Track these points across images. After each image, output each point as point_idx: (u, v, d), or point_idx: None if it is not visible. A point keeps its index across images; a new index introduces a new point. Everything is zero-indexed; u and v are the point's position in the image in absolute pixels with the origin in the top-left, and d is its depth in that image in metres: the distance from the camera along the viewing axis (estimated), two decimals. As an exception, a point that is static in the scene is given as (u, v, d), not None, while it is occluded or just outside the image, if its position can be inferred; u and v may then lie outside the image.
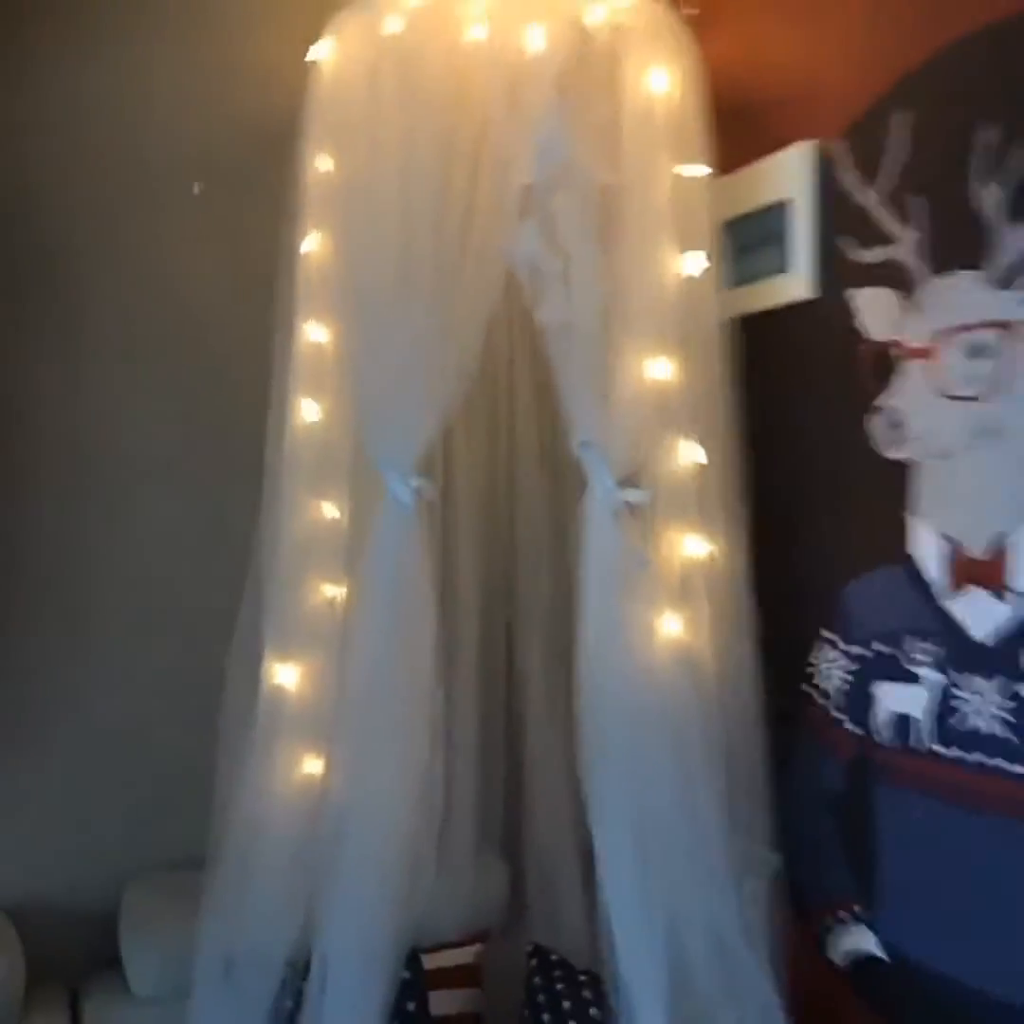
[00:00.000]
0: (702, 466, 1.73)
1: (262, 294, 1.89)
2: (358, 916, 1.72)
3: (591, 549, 1.67)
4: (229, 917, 1.78)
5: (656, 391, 1.71)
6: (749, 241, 1.95)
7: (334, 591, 1.85)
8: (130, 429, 2.14)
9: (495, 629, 2.15)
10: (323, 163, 1.88)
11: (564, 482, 2.06)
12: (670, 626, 1.71)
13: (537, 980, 1.89)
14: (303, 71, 1.91)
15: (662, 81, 1.77)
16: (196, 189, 2.07)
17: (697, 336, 1.77)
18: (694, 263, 1.76)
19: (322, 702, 1.81)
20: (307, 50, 1.91)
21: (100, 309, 2.11)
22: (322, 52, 1.87)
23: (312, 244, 1.88)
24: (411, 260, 1.70)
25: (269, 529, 1.87)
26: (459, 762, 2.04)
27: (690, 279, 1.75)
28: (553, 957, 1.94)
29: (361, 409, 1.75)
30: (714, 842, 1.63)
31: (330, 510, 1.86)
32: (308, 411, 1.87)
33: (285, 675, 1.82)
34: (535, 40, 1.71)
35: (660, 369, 1.73)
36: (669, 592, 1.71)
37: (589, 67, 1.74)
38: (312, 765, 1.84)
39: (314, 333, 1.88)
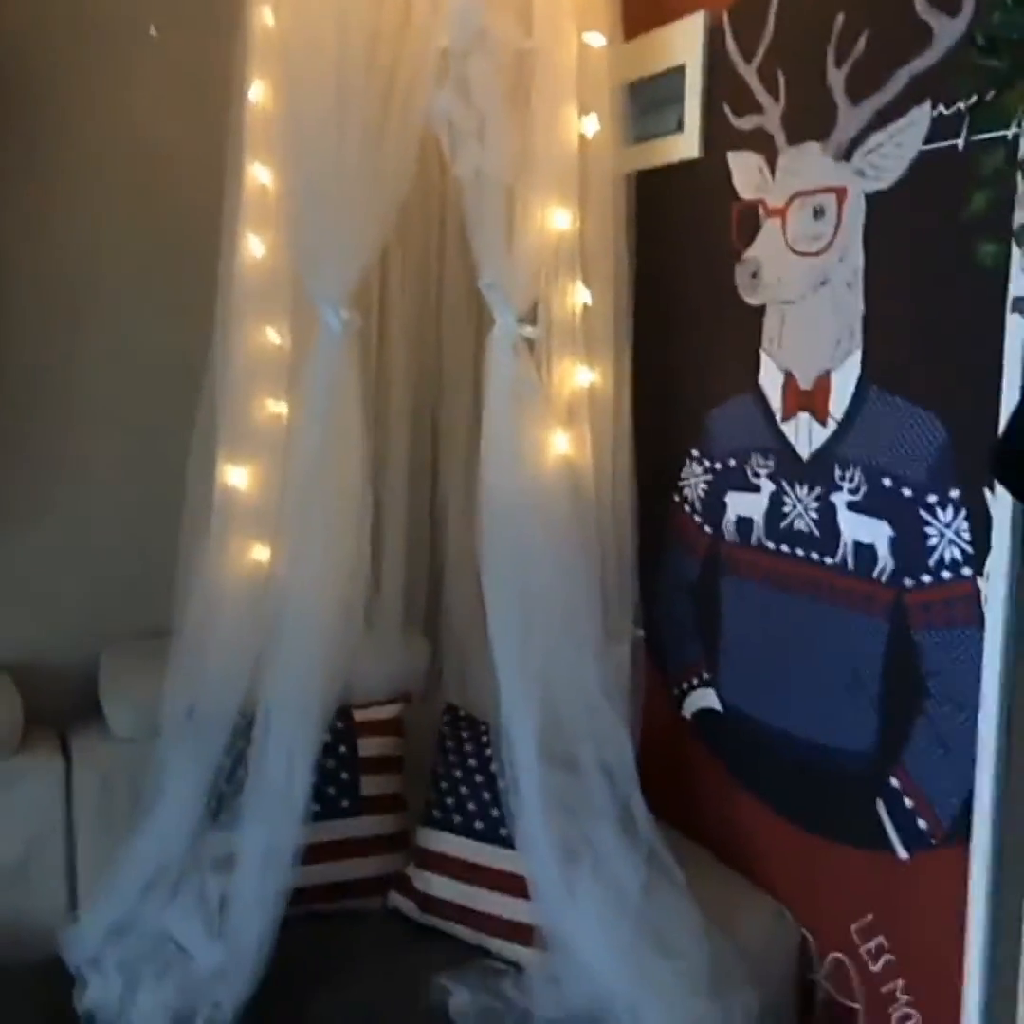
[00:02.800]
0: (590, 306, 2.03)
1: (217, 135, 2.12)
2: (297, 674, 2.06)
3: (493, 377, 1.98)
4: (191, 674, 2.13)
5: (555, 238, 1.99)
6: (650, 103, 2.19)
7: (278, 406, 2.15)
8: (97, 255, 2.38)
9: (423, 444, 2.47)
10: (267, 17, 2.08)
11: (486, 319, 2.36)
12: (558, 443, 2.03)
13: (446, 730, 2.29)
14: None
15: (572, -47, 1.98)
16: (152, 31, 2.26)
17: (595, 190, 2.03)
18: (591, 124, 2.01)
19: (268, 500, 2.14)
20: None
21: (69, 145, 2.31)
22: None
23: (258, 92, 2.09)
24: (344, 110, 1.93)
25: (222, 350, 2.15)
26: (388, 553, 2.42)
27: (590, 138, 2.01)
28: (461, 713, 2.34)
29: (297, 246, 2.01)
30: (585, 615, 2.00)
31: (274, 336, 2.15)
32: (254, 246, 2.12)
33: (236, 476, 2.13)
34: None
35: (560, 219, 2.00)
36: (558, 415, 2.03)
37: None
38: (260, 552, 2.18)
39: (260, 174, 2.11)
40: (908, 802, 1.77)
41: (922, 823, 1.75)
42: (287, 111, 2.01)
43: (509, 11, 1.94)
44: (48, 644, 2.39)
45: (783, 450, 1.96)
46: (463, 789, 2.12)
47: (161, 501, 2.17)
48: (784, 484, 1.96)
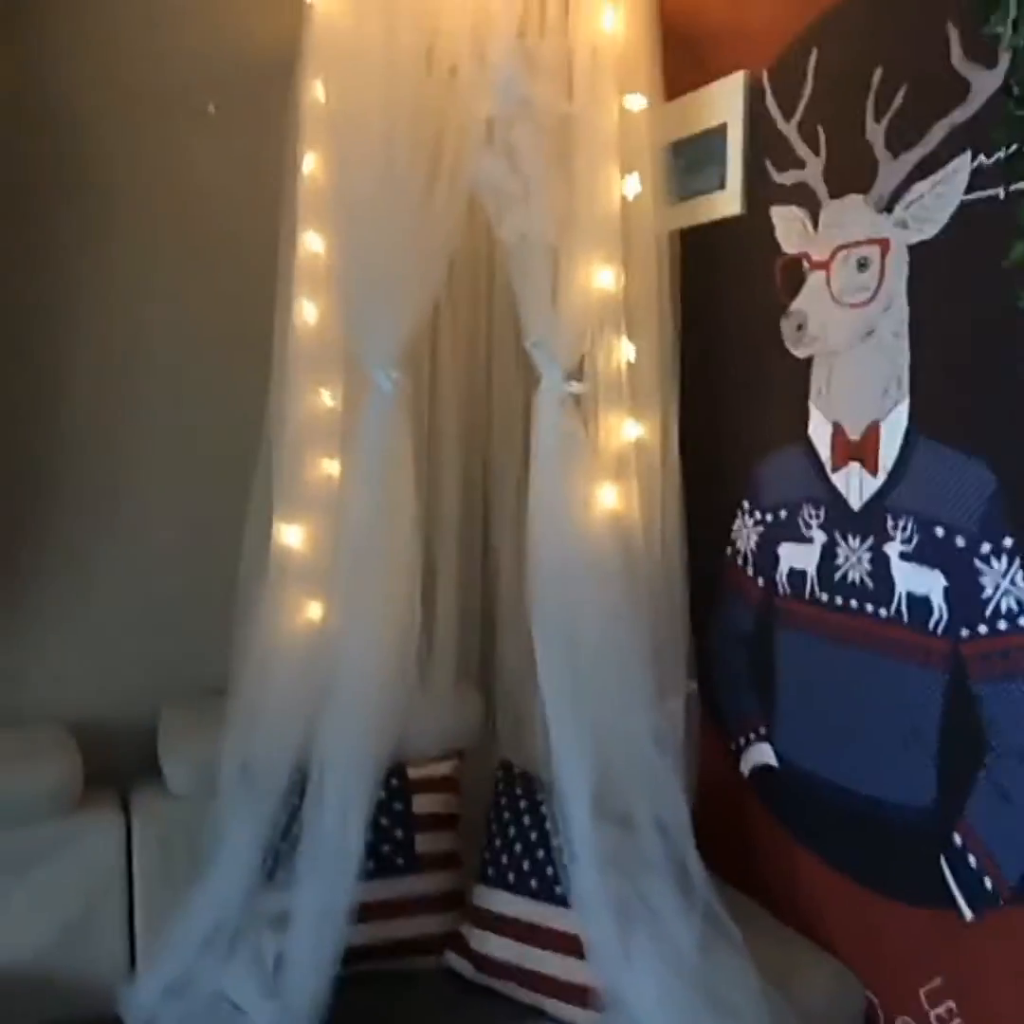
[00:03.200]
0: (636, 361, 2.05)
1: (271, 206, 2.19)
2: (350, 731, 2.08)
3: (540, 432, 2.00)
4: (246, 731, 2.16)
5: (600, 296, 2.02)
6: (692, 161, 2.22)
7: (331, 466, 2.20)
8: (152, 326, 2.45)
9: (473, 502, 2.48)
10: (318, 92, 2.16)
11: (534, 377, 2.40)
12: (606, 497, 2.05)
13: (501, 786, 2.28)
14: (301, 9, 2.18)
15: (612, 19, 2.03)
16: (210, 108, 2.36)
17: (638, 248, 2.06)
18: (633, 185, 2.05)
19: (322, 558, 2.18)
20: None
21: (127, 219, 2.40)
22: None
23: (310, 164, 2.17)
24: (391, 181, 1.99)
25: (277, 412, 2.21)
26: (440, 610, 2.43)
27: (632, 198, 2.04)
28: (516, 770, 2.33)
29: (347, 310, 2.07)
30: (637, 669, 2.00)
31: (327, 398, 2.20)
32: (307, 311, 2.19)
33: (290, 535, 2.18)
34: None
35: (604, 278, 2.03)
36: (606, 469, 2.04)
37: (546, 9, 2.00)
38: (313, 610, 2.22)
39: (312, 243, 2.18)
40: (972, 859, 1.72)
41: (988, 881, 1.70)
42: (338, 182, 2.08)
43: (551, 78, 2.00)
44: (108, 703, 2.43)
45: (834, 501, 1.95)
46: (518, 846, 2.11)
47: (218, 560, 2.21)
48: (836, 535, 1.95)
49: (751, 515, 2.17)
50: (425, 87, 1.99)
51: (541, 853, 2.07)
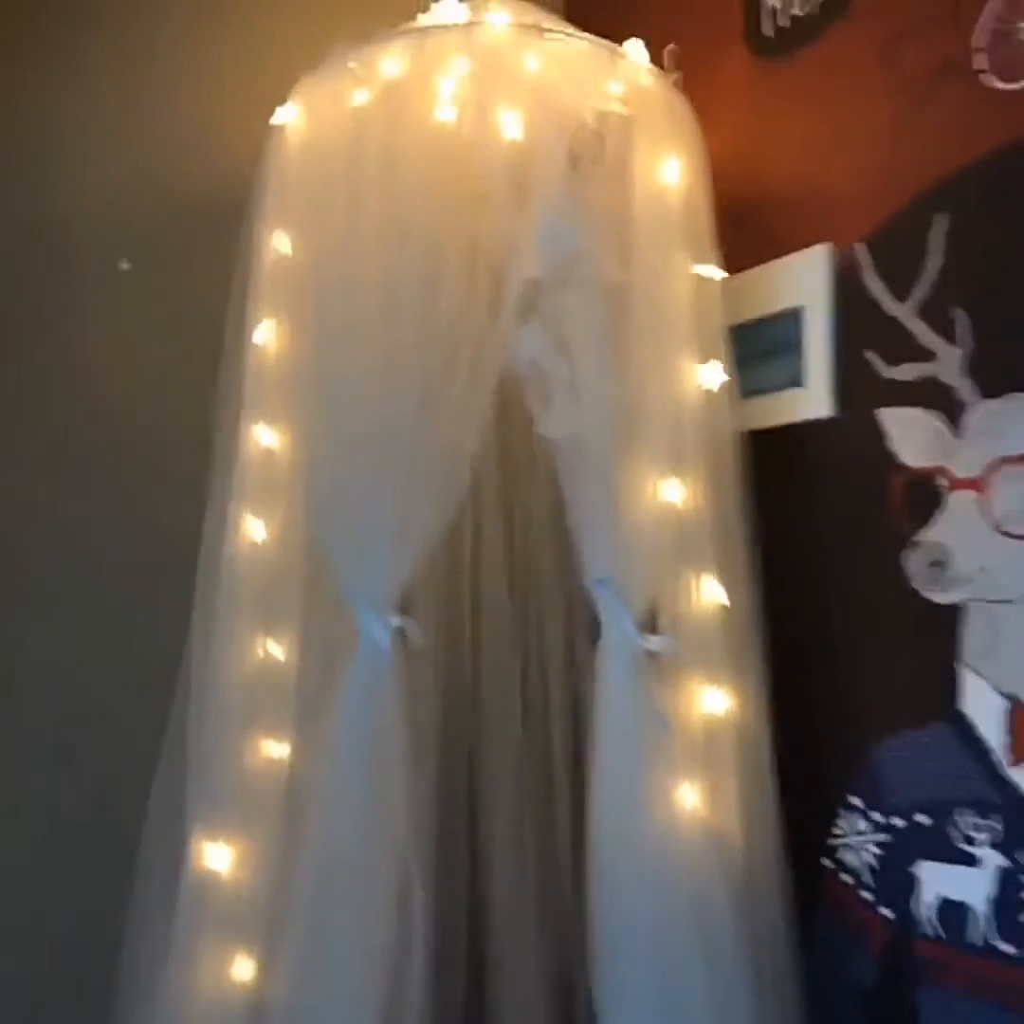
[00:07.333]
0: (725, 607, 1.50)
1: (202, 390, 1.62)
2: None
3: (608, 705, 1.41)
4: None
5: (673, 518, 1.48)
6: (755, 351, 1.76)
7: (278, 750, 1.53)
8: (32, 561, 1.79)
9: (457, 799, 1.81)
10: (281, 243, 1.63)
11: (536, 624, 1.83)
12: (688, 798, 1.44)
13: None
14: (254, 140, 1.67)
15: (674, 170, 1.59)
16: (123, 265, 1.77)
17: (713, 456, 1.55)
18: (712, 374, 1.55)
19: (259, 890, 1.48)
20: (257, 118, 1.68)
21: (10, 405, 1.78)
22: (287, 117, 1.62)
23: (266, 334, 1.61)
24: (395, 362, 1.44)
25: (199, 673, 1.55)
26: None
27: (708, 392, 1.55)
28: None
29: (327, 533, 1.46)
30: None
31: (275, 649, 1.56)
32: (253, 530, 1.57)
33: (216, 857, 1.48)
34: (545, 124, 1.51)
35: (675, 493, 1.50)
36: (690, 757, 1.45)
37: (596, 152, 1.55)
38: (242, 968, 1.49)
39: (264, 437, 1.59)
40: None
41: None
42: (315, 359, 1.52)
43: (606, 236, 1.52)
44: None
45: (1015, 807, 1.39)
46: None
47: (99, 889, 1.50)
48: (1021, 857, 1.38)
49: (866, 817, 1.59)
50: (440, 244, 1.48)
51: None
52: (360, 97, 1.61)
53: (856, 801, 1.61)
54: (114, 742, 1.77)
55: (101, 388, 1.80)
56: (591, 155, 1.53)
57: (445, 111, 1.58)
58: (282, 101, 1.67)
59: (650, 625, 1.46)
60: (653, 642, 1.43)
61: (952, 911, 1.46)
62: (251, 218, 1.64)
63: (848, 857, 1.61)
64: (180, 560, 1.58)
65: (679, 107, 1.63)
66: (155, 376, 1.82)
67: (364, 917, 1.39)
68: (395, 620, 1.42)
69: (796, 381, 1.71)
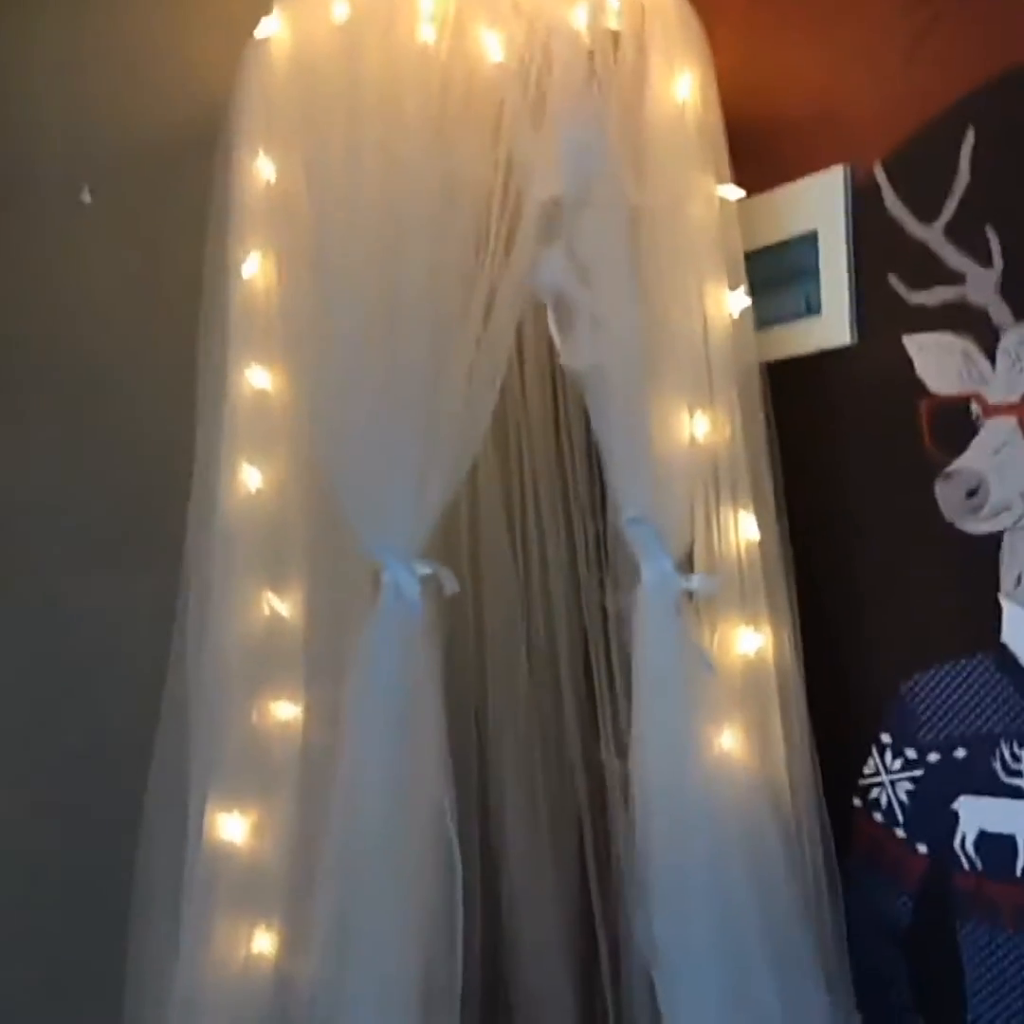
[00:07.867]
0: (758, 544, 1.43)
1: (181, 330, 1.50)
2: None
3: (648, 649, 1.34)
4: None
5: (706, 452, 1.41)
6: (768, 278, 1.68)
7: (290, 712, 1.43)
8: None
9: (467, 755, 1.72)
10: (265, 168, 1.50)
11: (538, 562, 1.75)
12: (732, 739, 1.39)
13: None
14: (230, 57, 1.54)
15: (688, 85, 1.50)
16: (86, 196, 1.63)
17: (739, 386, 1.48)
18: (736, 300, 1.48)
19: (278, 860, 1.39)
20: (233, 33, 1.55)
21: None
22: (270, 29, 1.49)
23: (254, 268, 1.49)
24: (404, 288, 1.33)
25: (196, 633, 1.45)
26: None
27: (733, 320, 1.47)
28: None
29: (342, 482, 1.35)
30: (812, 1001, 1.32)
31: (279, 605, 1.46)
32: (249, 478, 1.46)
33: (230, 826, 1.38)
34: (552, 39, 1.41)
35: (703, 426, 1.43)
36: (731, 698, 1.39)
37: (611, 67, 1.44)
38: (261, 942, 1.41)
39: (257, 379, 1.48)
40: None
41: None
42: (314, 294, 1.40)
43: (625, 155, 1.42)
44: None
45: (1064, 737, 1.37)
46: None
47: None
48: (1068, 787, 1.36)
49: (897, 754, 1.56)
50: (452, 167, 1.37)
51: None
52: (340, 11, 1.49)
53: (885, 738, 1.57)
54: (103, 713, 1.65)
55: (69, 336, 1.65)
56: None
57: (425, 30, 1.46)
58: (260, 14, 1.54)
59: (687, 564, 1.39)
60: (693, 581, 1.36)
61: (994, 844, 1.44)
62: (229, 140, 1.51)
63: (878, 796, 1.58)
64: (164, 519, 1.47)
65: (690, 18, 1.53)
66: (127, 317, 1.67)
67: (400, 886, 1.31)
68: (424, 568, 1.32)
69: (810, 310, 1.65)
